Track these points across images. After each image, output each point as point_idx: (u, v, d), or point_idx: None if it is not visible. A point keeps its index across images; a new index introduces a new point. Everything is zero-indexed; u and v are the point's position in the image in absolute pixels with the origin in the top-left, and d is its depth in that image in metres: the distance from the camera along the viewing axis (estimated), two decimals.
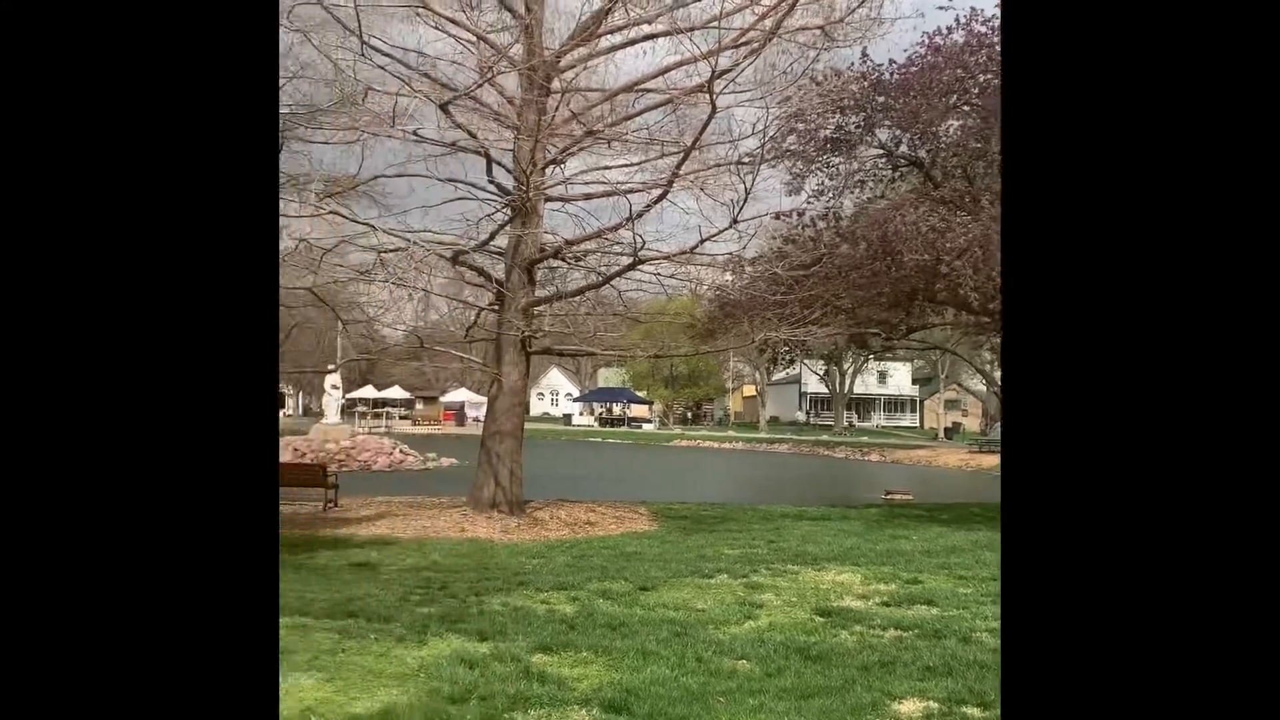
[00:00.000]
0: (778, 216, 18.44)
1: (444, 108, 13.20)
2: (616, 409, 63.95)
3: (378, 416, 53.47)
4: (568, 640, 5.90)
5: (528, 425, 16.66)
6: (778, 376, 63.91)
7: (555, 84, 14.68)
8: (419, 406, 62.29)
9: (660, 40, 14.36)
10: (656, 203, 13.97)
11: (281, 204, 17.02)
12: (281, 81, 16.22)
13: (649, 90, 14.91)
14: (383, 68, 13.39)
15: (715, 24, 12.26)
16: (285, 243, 21.80)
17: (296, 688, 4.64)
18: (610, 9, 13.97)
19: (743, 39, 12.96)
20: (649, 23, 14.13)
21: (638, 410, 63.97)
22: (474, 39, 14.85)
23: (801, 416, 71.42)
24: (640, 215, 13.80)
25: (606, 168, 15.31)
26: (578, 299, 17.35)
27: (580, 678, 5.09)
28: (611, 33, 14.55)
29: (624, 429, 59.28)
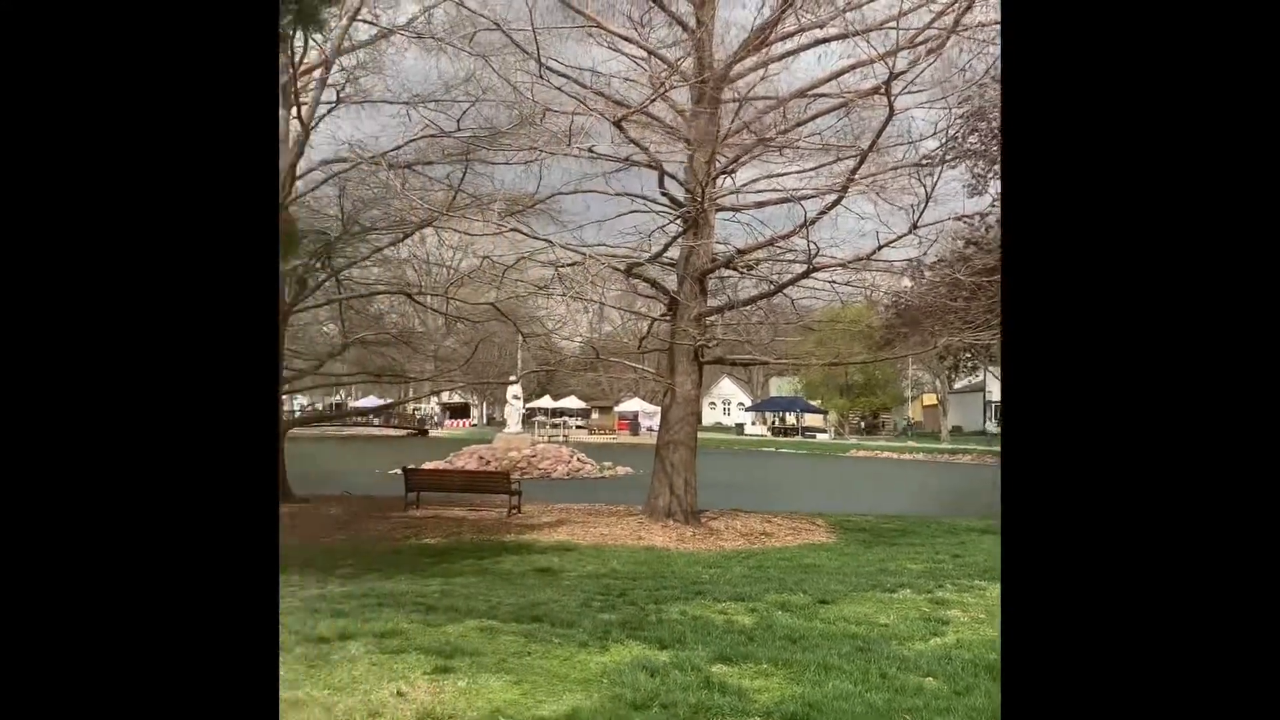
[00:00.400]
0: (959, 219, 17.77)
1: (618, 124, 13.47)
2: (790, 418, 63.22)
3: (555, 426, 55.00)
4: (747, 651, 5.86)
5: (700, 435, 16.72)
6: (960, 384, 61.49)
7: (727, 94, 14.72)
8: (594, 416, 63.64)
9: (834, 44, 14.15)
10: (831, 208, 13.76)
11: (466, 223, 17.84)
12: (464, 106, 17.02)
13: (822, 95, 14.72)
14: (559, 88, 13.80)
15: (892, 24, 11.97)
16: (470, 260, 22.81)
17: (485, 688, 4.81)
18: (781, 16, 13.88)
19: (920, 38, 12.59)
20: (821, 27, 13.96)
21: (811, 420, 63.02)
22: (645, 55, 15.10)
23: (992, 426, 68.37)
24: (814, 222, 13.64)
25: (779, 175, 15.22)
26: (750, 308, 17.30)
27: (761, 689, 5.05)
28: (783, 39, 14.45)
29: (798, 439, 58.53)
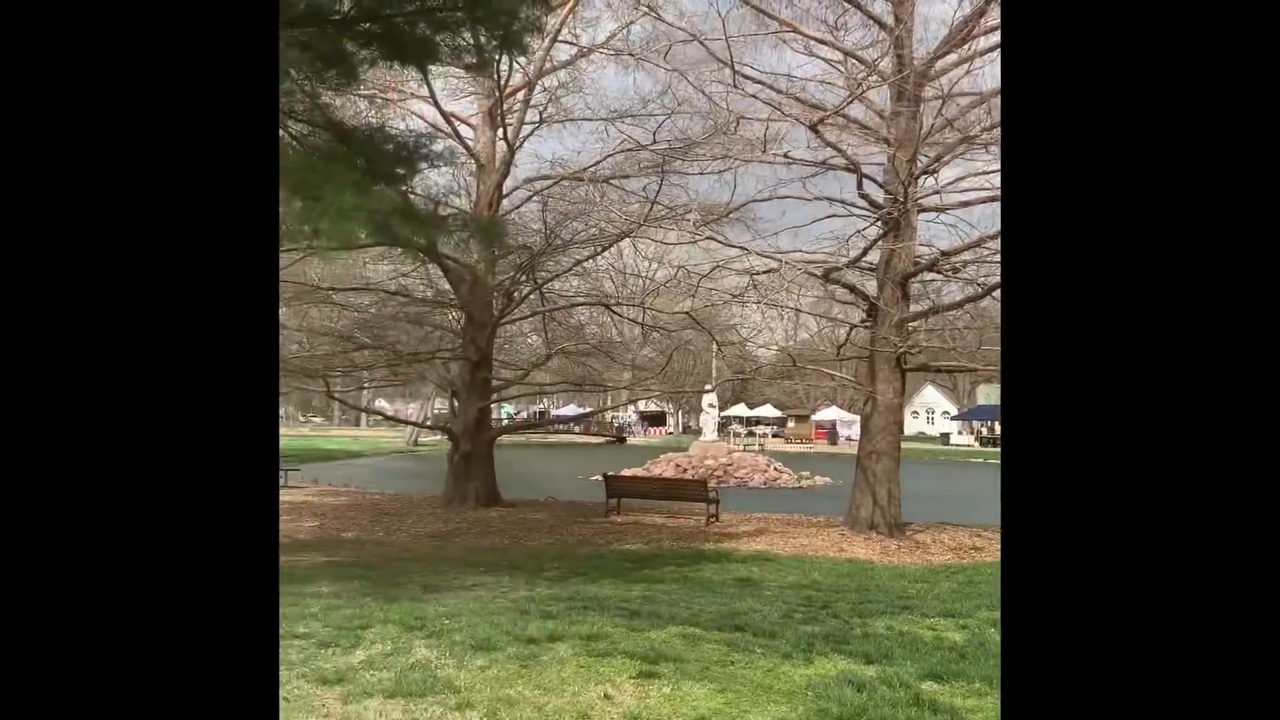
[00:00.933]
0: None
1: (814, 128, 13.29)
2: (999, 428, 60.20)
3: (751, 435, 54.78)
4: (959, 669, 5.60)
5: (903, 444, 16.20)
6: None
7: (928, 91, 14.23)
8: (790, 424, 62.94)
9: None
10: None
11: (661, 233, 18.10)
12: (660, 119, 17.29)
13: None
14: (754, 95, 13.78)
15: None
16: (665, 270, 23.12)
17: (690, 695, 4.83)
18: (985, 10, 13.29)
19: None
20: None
21: None
22: (841, 57, 14.83)
23: None
24: None
25: (986, 173, 14.54)
26: (955, 312, 16.61)
27: (975, 709, 4.81)
28: (987, 33, 13.83)
29: None
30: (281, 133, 7.43)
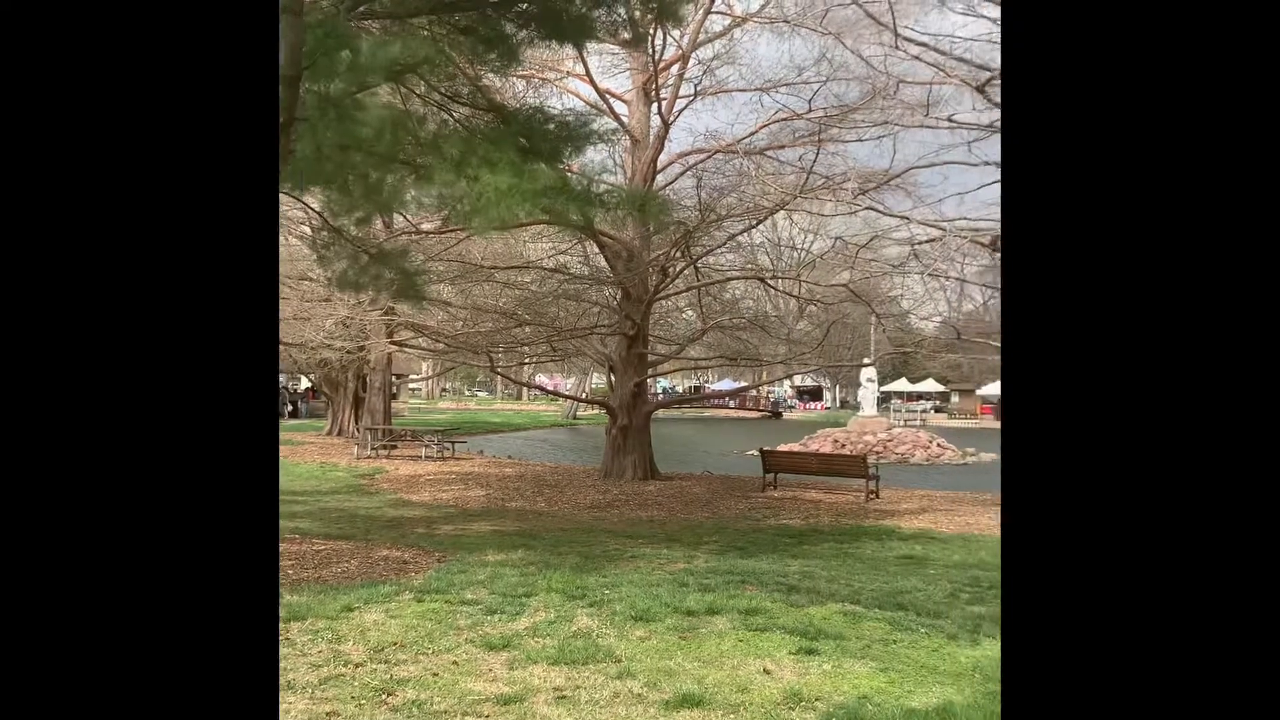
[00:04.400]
0: None
1: (980, 89, 12.68)
2: None
3: (911, 410, 53.29)
4: None
5: None
6: None
7: None
8: (954, 400, 60.82)
9: None
10: None
11: (818, 204, 17.73)
12: (815, 87, 16.90)
13: None
14: (916, 58, 13.25)
15: None
16: (822, 242, 22.67)
17: (851, 673, 4.75)
18: None
19: None
20: None
21: None
22: None
23: None
24: None
25: None
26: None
27: None
28: None
29: None
30: (446, 116, 7.68)
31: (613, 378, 20.14)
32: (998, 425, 48.72)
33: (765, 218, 19.19)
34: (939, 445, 30.33)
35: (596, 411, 37.10)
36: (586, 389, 45.99)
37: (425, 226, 16.56)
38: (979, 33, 14.37)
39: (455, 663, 4.88)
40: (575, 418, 48.97)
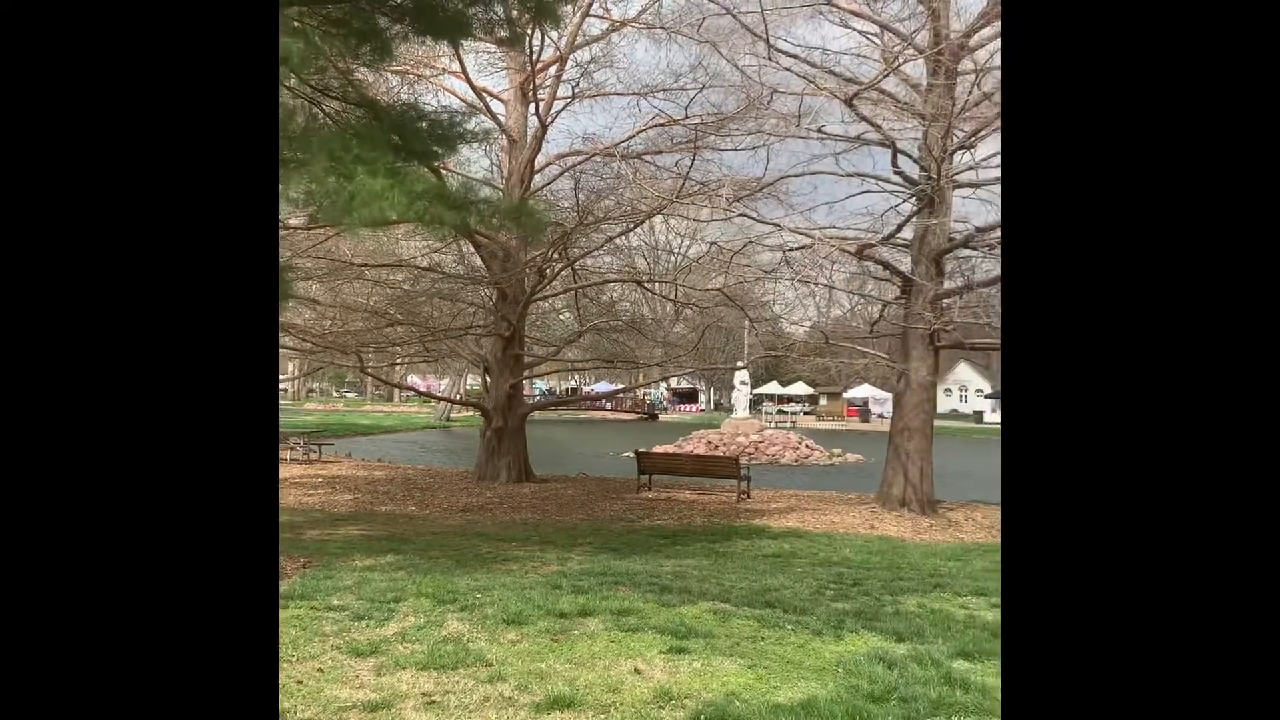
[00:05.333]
0: None
1: (848, 102, 13.12)
2: None
3: (783, 412, 54.63)
4: (992, 648, 5.57)
5: (936, 422, 16.07)
6: None
7: (964, 65, 14.00)
8: (822, 402, 62.66)
9: None
10: None
11: (694, 210, 17.99)
12: (692, 94, 17.15)
13: None
14: (788, 69, 13.62)
15: None
16: (698, 247, 23.03)
17: (720, 671, 4.84)
18: None
19: None
20: None
21: None
22: (878, 30, 14.62)
23: None
24: None
25: None
26: (991, 289, 16.38)
27: None
28: None
29: None
30: (316, 110, 7.46)
31: (488, 379, 19.94)
32: (863, 427, 50.48)
33: (643, 221, 19.38)
34: (808, 446, 31.18)
35: (471, 414, 36.62)
36: (461, 390, 45.35)
37: (293, 222, 16.03)
38: (848, 46, 14.86)
39: (320, 670, 4.74)
40: (449, 420, 48.22)
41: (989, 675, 5.03)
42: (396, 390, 58.08)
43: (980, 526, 13.98)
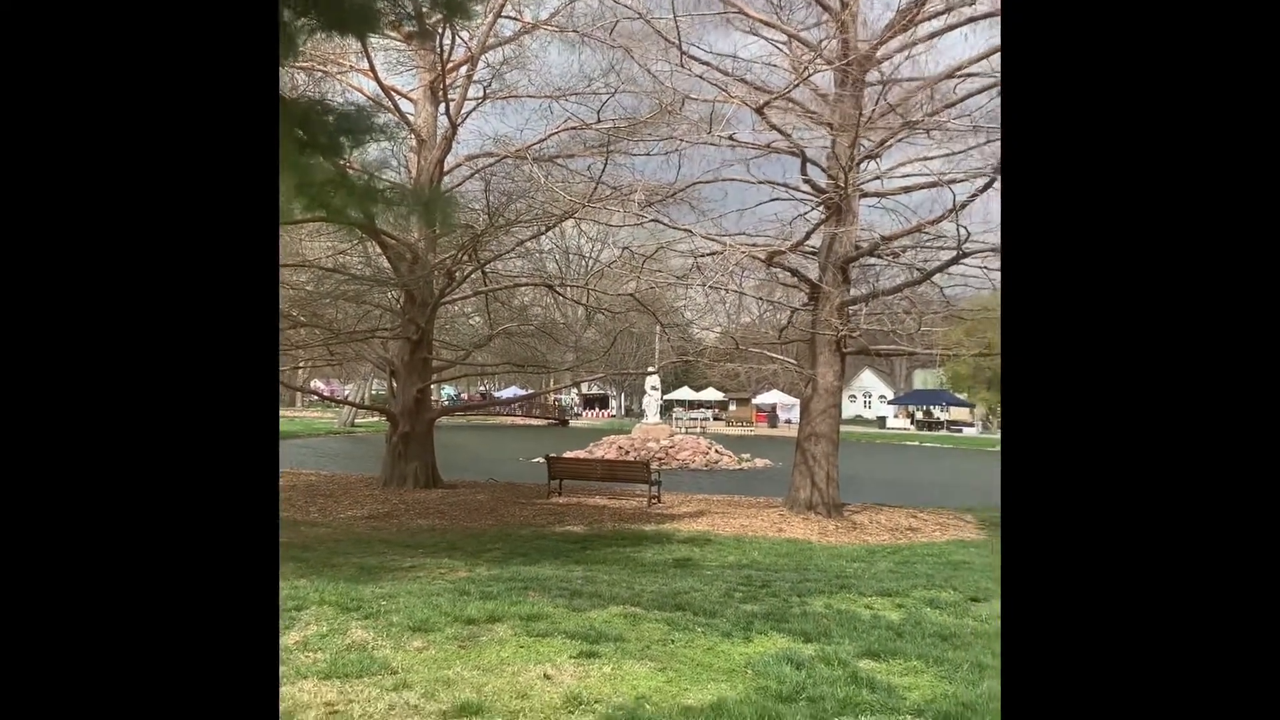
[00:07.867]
0: None
1: (759, 110, 13.30)
2: (935, 412, 61.32)
3: (693, 418, 55.05)
4: (895, 648, 5.68)
5: (841, 427, 16.39)
6: None
7: (871, 76, 14.33)
8: (732, 408, 63.38)
9: (982, 22, 13.56)
10: (982, 192, 13.21)
11: (606, 214, 17.98)
12: (605, 98, 17.15)
13: (973, 75, 14.14)
14: (700, 76, 13.74)
15: None
16: (610, 251, 23.03)
17: (630, 674, 4.81)
18: None
19: None
20: (972, 4, 13.40)
21: (957, 413, 60.96)
22: (786, 39, 14.85)
23: None
24: (964, 206, 13.12)
25: (927, 159, 14.70)
26: (895, 297, 16.81)
27: (911, 687, 4.88)
28: (931, 19, 13.95)
29: (943, 433, 56.72)
30: None
31: (394, 383, 19.56)
32: (772, 432, 51.18)
33: (554, 225, 19.28)
34: (717, 451, 31.47)
35: (377, 419, 35.90)
36: (366, 395, 44.41)
37: None
38: (759, 54, 15.07)
39: None
40: (354, 425, 47.17)
41: (894, 674, 5.12)
42: (299, 395, 56.57)
43: (884, 528, 14.28)
